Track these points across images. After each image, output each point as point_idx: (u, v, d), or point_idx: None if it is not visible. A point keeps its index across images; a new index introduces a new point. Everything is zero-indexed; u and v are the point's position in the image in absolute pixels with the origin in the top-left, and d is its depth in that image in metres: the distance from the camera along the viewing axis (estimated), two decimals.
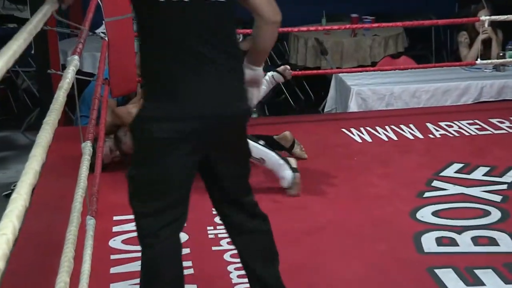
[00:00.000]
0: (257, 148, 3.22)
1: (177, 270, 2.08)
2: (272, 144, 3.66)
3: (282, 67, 3.69)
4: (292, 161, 3.35)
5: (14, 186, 4.28)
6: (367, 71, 4.94)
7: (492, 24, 4.89)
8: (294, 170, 3.28)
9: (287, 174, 3.26)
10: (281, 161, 3.28)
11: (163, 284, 2.05)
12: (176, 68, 1.97)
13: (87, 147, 2.52)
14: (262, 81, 2.34)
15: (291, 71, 3.73)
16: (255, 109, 5.38)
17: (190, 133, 1.96)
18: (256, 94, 2.31)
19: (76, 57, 2.29)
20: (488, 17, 4.62)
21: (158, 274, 2.03)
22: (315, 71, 5.55)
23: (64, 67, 4.81)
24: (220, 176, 2.12)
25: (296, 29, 5.16)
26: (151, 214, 2.01)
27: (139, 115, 2.04)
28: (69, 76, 1.98)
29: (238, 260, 2.26)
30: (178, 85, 1.97)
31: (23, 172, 1.07)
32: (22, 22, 6.80)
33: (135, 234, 2.74)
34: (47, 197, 3.16)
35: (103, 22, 3.83)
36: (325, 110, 5.14)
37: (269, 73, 3.60)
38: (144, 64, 2.08)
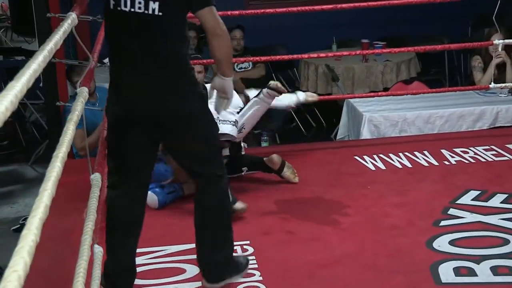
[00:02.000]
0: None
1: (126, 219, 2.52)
2: (261, 166, 3.73)
3: (273, 82, 3.69)
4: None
5: (23, 220, 4.27)
6: (379, 96, 4.88)
7: (506, 47, 4.82)
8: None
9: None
10: None
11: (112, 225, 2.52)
12: (119, 66, 2.40)
13: (95, 179, 2.48)
14: (231, 92, 2.57)
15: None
16: (266, 138, 5.35)
17: (130, 117, 2.39)
18: (224, 103, 2.61)
19: (85, 89, 2.28)
20: (501, 41, 4.56)
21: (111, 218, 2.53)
22: (326, 97, 5.50)
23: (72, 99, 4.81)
24: (175, 155, 2.62)
25: (306, 55, 5.12)
26: (111, 171, 2.51)
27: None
28: (78, 108, 1.98)
29: None
30: (119, 79, 2.41)
31: (33, 207, 1.08)
32: (30, 54, 6.82)
33: (146, 268, 2.70)
34: (56, 231, 3.10)
35: None
36: (338, 137, 5.08)
37: (264, 90, 3.66)
38: (109, 60, 2.47)
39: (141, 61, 2.35)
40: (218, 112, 2.71)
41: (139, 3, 2.30)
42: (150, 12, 2.30)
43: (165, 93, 2.38)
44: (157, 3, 2.30)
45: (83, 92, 2.20)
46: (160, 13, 2.31)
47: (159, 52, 2.35)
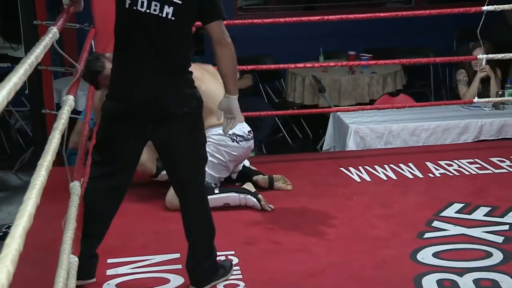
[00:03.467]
0: (217, 198, 3.48)
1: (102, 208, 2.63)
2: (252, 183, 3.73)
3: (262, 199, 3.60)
4: (250, 186, 3.62)
5: (6, 228, 4.23)
6: (364, 109, 4.91)
7: (491, 62, 4.87)
8: (254, 194, 3.55)
9: (253, 201, 3.53)
10: (242, 195, 3.55)
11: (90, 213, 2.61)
12: (125, 63, 2.48)
13: (75, 187, 2.47)
14: (238, 111, 2.62)
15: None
16: (253, 148, 5.35)
17: (126, 113, 2.48)
18: (230, 123, 2.65)
19: (71, 97, 2.27)
20: (485, 56, 4.61)
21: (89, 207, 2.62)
22: (312, 110, 5.51)
23: (58, 106, 4.79)
24: (165, 156, 2.65)
25: (292, 65, 5.14)
26: (96, 163, 2.60)
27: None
28: (64, 116, 1.97)
29: None
30: (123, 75, 2.50)
31: (17, 215, 1.08)
32: (16, 61, 6.79)
33: (130, 277, 2.67)
34: (39, 239, 3.08)
35: None
36: (323, 148, 5.09)
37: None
38: (113, 56, 2.55)
39: (148, 59, 2.45)
40: (225, 133, 2.73)
41: (155, 5, 2.40)
42: (164, 15, 2.41)
43: (163, 91, 2.47)
44: (171, 8, 2.41)
45: (69, 100, 2.19)
46: (173, 18, 2.41)
47: (166, 53, 2.45)
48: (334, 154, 4.74)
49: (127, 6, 2.43)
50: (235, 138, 3.66)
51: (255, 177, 3.82)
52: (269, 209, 3.52)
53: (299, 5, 8.30)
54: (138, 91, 2.47)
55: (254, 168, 3.96)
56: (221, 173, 3.70)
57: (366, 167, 4.19)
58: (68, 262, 1.95)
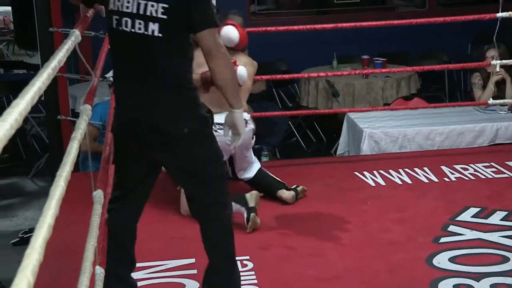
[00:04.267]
0: None
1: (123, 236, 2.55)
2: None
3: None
4: (252, 200, 3.38)
5: (22, 234, 4.26)
6: (377, 110, 4.89)
7: (505, 65, 4.85)
8: (249, 210, 3.32)
9: (242, 217, 3.31)
10: (237, 206, 3.29)
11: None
12: (122, 82, 2.44)
13: (98, 196, 2.47)
14: (242, 126, 2.50)
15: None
16: (266, 153, 5.36)
17: (129, 133, 2.41)
18: (236, 140, 2.54)
19: (88, 106, 2.28)
20: (498, 62, 4.58)
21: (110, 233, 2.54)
22: (326, 110, 5.50)
23: (73, 112, 4.83)
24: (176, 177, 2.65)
25: (306, 74, 5.15)
26: (114, 185, 2.57)
27: None
28: (81, 127, 1.98)
29: None
30: (121, 96, 2.45)
31: (37, 225, 1.10)
32: (31, 68, 6.86)
33: (145, 282, 2.68)
34: (58, 246, 3.09)
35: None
36: (338, 153, 5.08)
37: None
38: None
39: (141, 80, 2.36)
40: (232, 149, 2.58)
41: (139, 23, 2.30)
42: (150, 33, 2.30)
43: (162, 111, 2.36)
44: (156, 24, 2.29)
45: (87, 110, 2.20)
46: (160, 35, 2.29)
47: (158, 72, 2.35)
48: (348, 158, 4.73)
49: (114, 26, 2.36)
50: (212, 126, 3.49)
51: (279, 193, 3.66)
52: (249, 230, 3.30)
53: (312, 10, 8.29)
54: (134, 113, 2.39)
55: (275, 177, 3.74)
56: None
57: (381, 171, 4.17)
58: (90, 270, 1.95)
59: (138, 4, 2.31)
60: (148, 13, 2.29)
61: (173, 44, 2.34)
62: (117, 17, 2.34)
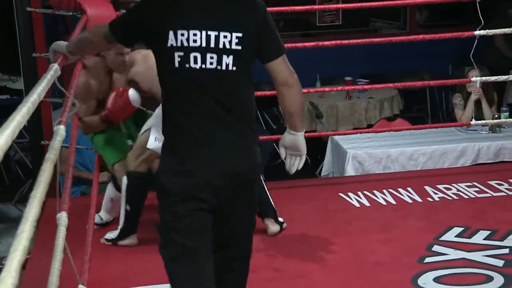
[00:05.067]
0: None
1: None
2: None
3: None
4: None
5: (5, 261, 4.21)
6: (361, 133, 4.93)
7: (486, 86, 4.92)
8: None
9: None
10: None
11: None
12: (184, 130, 2.11)
13: (62, 218, 2.45)
14: (304, 148, 2.31)
15: None
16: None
17: (197, 188, 2.08)
18: (297, 162, 2.34)
19: (62, 127, 2.27)
20: (478, 78, 4.64)
21: None
22: (310, 133, 5.53)
23: None
24: (227, 232, 2.24)
25: None
26: (174, 259, 2.12)
27: (158, 169, 2.25)
28: (55, 147, 1.97)
29: None
30: (188, 144, 2.11)
31: (11, 249, 1.07)
32: (15, 93, 6.83)
33: None
34: (36, 272, 3.07)
35: None
36: (322, 174, 5.10)
37: None
38: (164, 122, 2.18)
39: (215, 121, 2.10)
40: (291, 173, 2.39)
41: (211, 58, 2.06)
42: (224, 67, 2.07)
43: (236, 155, 2.13)
44: (231, 57, 2.08)
45: (60, 130, 2.19)
46: (234, 68, 2.08)
47: (233, 110, 2.11)
48: (333, 180, 4.75)
49: (176, 65, 2.07)
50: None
51: (266, 221, 3.53)
52: None
53: (295, 32, 8.36)
54: (211, 159, 2.10)
55: (270, 198, 3.58)
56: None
57: (365, 192, 4.19)
58: None
59: (208, 36, 2.06)
60: (221, 46, 2.06)
61: (246, 77, 2.15)
62: (181, 53, 2.06)
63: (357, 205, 4.02)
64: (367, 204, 4.03)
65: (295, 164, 2.33)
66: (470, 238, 3.45)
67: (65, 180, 2.86)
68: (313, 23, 8.08)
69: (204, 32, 2.05)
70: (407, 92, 6.71)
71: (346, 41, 4.59)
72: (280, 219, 3.60)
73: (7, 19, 4.58)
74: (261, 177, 3.60)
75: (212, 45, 2.06)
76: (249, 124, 2.15)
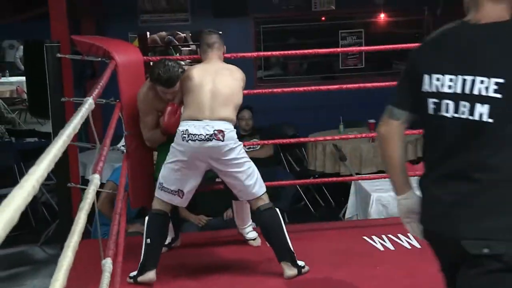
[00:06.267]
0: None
1: None
2: None
3: None
4: None
5: None
6: (386, 177, 4.90)
7: None
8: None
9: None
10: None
11: None
12: (438, 181, 1.97)
13: (107, 264, 2.48)
14: (400, 213, 2.20)
15: None
16: None
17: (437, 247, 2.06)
18: (410, 229, 2.27)
19: (97, 175, 2.30)
20: None
21: None
22: (333, 179, 5.54)
23: (83, 180, 4.87)
24: None
25: (313, 139, 5.21)
26: None
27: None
28: (89, 196, 1.99)
29: None
30: (432, 197, 1.99)
31: None
32: (43, 136, 6.97)
33: None
34: None
35: (124, 135, 3.89)
36: (346, 217, 5.09)
37: None
38: (425, 166, 2.08)
39: (462, 179, 1.88)
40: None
41: (464, 106, 1.85)
42: (477, 118, 1.82)
43: (487, 220, 1.85)
44: (486, 106, 1.81)
45: (95, 179, 2.23)
46: (490, 120, 1.81)
47: (488, 170, 1.84)
48: (356, 223, 4.73)
49: (431, 112, 1.94)
50: (185, 136, 3.37)
51: (283, 265, 3.51)
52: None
53: (317, 75, 8.44)
54: (441, 223, 1.96)
55: (289, 239, 3.56)
56: (172, 182, 3.46)
57: (390, 235, 4.16)
58: None
59: (464, 80, 1.86)
60: (475, 92, 1.83)
61: (507, 133, 1.83)
62: (435, 100, 1.93)
63: (382, 248, 3.99)
64: (392, 248, 3.99)
65: (412, 229, 2.24)
66: None
67: (111, 226, 2.89)
68: (336, 66, 8.15)
69: (460, 78, 1.87)
70: None
71: (369, 84, 4.62)
72: (301, 263, 3.57)
73: (38, 64, 4.70)
74: (281, 220, 3.60)
75: (467, 91, 1.85)
76: (503, 193, 1.84)
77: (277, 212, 3.60)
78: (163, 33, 9.57)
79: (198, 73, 3.52)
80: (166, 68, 3.61)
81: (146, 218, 3.54)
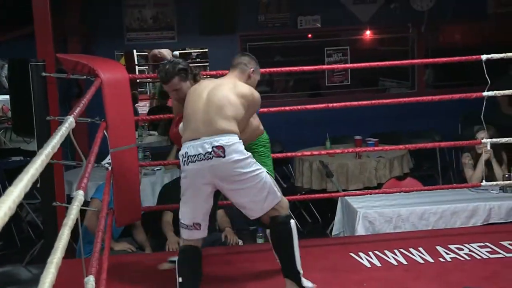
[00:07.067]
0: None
1: None
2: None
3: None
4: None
5: None
6: (371, 194, 4.93)
7: (495, 146, 4.92)
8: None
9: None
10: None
11: None
12: None
13: (90, 282, 2.46)
14: None
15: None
16: (261, 234, 5.36)
17: None
18: None
19: (81, 192, 2.29)
20: (489, 140, 4.66)
21: None
22: (320, 195, 5.55)
23: (69, 198, 4.84)
24: None
25: (299, 153, 5.22)
26: None
27: None
28: (73, 212, 1.98)
29: None
30: None
31: None
32: (28, 154, 6.94)
33: None
34: None
35: (109, 152, 3.88)
36: (333, 233, 5.09)
37: None
38: None
39: None
40: None
41: None
42: None
43: None
44: None
45: (79, 196, 2.21)
46: None
47: None
48: (343, 239, 4.73)
49: None
50: (185, 159, 3.14)
51: (286, 281, 3.42)
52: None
53: (304, 92, 8.47)
54: None
55: (298, 258, 3.45)
56: (186, 216, 3.23)
57: (376, 252, 4.16)
58: None
59: None
60: None
61: None
62: None
63: (368, 265, 3.99)
64: (378, 264, 4.00)
65: None
66: None
67: (94, 244, 2.87)
68: (323, 83, 8.19)
69: None
70: (416, 150, 6.73)
71: (355, 103, 4.64)
72: (309, 284, 3.42)
73: (23, 83, 4.68)
74: (294, 236, 3.45)
75: None
76: None
77: (289, 227, 3.34)
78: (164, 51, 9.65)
79: (199, 86, 3.36)
80: (165, 64, 3.67)
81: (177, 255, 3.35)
